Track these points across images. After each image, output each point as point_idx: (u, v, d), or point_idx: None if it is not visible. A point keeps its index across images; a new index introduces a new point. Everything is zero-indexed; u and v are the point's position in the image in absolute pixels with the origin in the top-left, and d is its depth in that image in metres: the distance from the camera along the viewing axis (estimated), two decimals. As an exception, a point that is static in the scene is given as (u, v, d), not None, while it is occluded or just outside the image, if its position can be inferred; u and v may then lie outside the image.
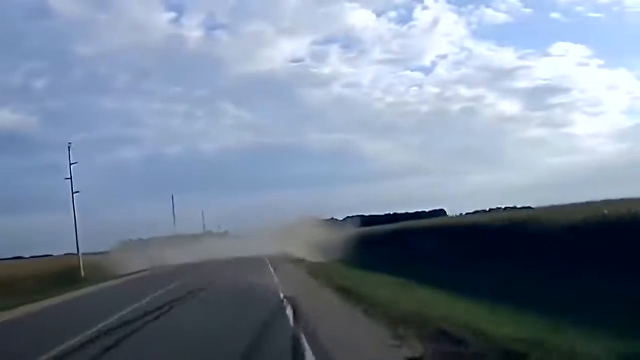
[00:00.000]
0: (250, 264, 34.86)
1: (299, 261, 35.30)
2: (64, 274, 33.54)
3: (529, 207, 30.69)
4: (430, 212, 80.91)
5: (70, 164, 39.71)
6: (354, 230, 49.40)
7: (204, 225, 77.82)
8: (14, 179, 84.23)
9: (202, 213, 76.82)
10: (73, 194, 39.41)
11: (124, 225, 55.93)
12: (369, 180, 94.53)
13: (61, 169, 39.64)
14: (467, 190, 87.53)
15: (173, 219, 70.35)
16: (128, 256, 46.70)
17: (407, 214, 78.97)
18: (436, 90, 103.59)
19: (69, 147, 40.20)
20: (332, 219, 66.91)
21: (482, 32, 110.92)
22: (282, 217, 53.71)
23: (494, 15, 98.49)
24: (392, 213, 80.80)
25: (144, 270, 43.01)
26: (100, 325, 13.07)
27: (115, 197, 70.37)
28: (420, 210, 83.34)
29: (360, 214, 75.60)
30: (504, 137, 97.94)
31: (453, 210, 71.33)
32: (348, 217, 71.93)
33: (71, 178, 39.22)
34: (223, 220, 68.82)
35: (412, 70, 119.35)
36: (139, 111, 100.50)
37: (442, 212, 78.35)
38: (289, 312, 13.22)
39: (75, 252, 40.91)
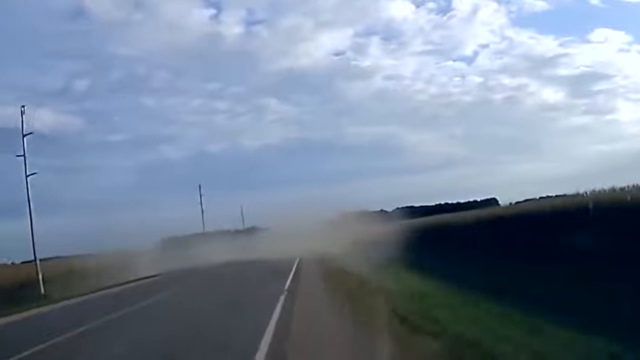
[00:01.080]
0: (263, 276, 24.78)
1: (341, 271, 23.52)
2: (18, 289, 26.61)
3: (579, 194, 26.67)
4: (482, 201, 74.68)
5: (24, 135, 30.41)
6: (407, 222, 41.98)
7: (243, 222, 75.04)
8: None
9: (241, 208, 73.64)
10: (27, 176, 29.67)
11: (162, 223, 53.90)
12: (413, 172, 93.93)
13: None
14: (511, 179, 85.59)
15: (202, 215, 67.09)
16: (147, 257, 42.95)
17: (458, 203, 75.79)
18: (479, 79, 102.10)
19: (22, 112, 30.80)
20: (381, 210, 64.67)
21: (522, 20, 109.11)
22: (325, 212, 50.64)
23: (533, 3, 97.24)
24: (442, 203, 77.92)
25: (153, 276, 36.75)
26: None
27: (154, 195, 69.82)
28: (471, 199, 78.12)
29: (408, 204, 72.92)
30: (547, 126, 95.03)
31: (504, 199, 66.67)
32: (397, 208, 69.83)
33: (24, 155, 29.70)
34: (263, 216, 65.00)
35: (454, 60, 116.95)
36: (178, 109, 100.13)
37: (494, 201, 72.40)
38: None
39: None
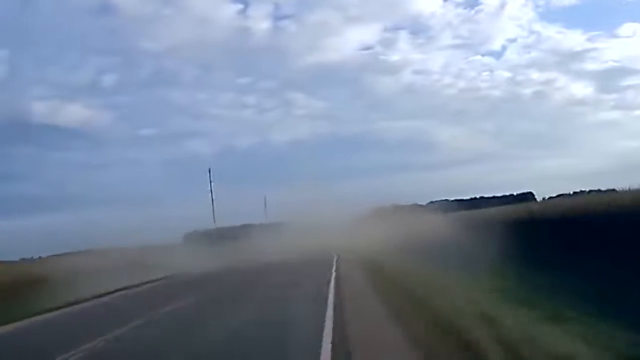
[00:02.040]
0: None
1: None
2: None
3: (613, 190, 25.77)
4: (518, 195, 74.86)
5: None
6: (454, 215, 34.84)
7: (266, 215, 71.51)
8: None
9: (265, 200, 69.87)
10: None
11: (191, 218, 54.54)
12: (442, 167, 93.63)
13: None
14: (540, 174, 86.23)
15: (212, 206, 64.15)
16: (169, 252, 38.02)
17: (494, 197, 72.73)
18: (507, 74, 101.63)
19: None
20: (415, 204, 63.62)
21: (550, 15, 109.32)
22: (356, 206, 49.58)
23: None
24: (477, 197, 73.51)
25: (158, 280, 29.12)
26: None
27: (183, 190, 69.83)
28: (507, 193, 77.89)
29: (442, 198, 70.29)
30: (575, 121, 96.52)
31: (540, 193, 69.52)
32: (432, 202, 68.20)
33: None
34: (290, 210, 61.94)
35: (482, 55, 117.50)
36: (207, 104, 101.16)
37: (530, 196, 72.41)
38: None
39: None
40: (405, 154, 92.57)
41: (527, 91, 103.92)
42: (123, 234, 38.69)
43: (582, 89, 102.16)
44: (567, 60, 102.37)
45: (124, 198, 56.96)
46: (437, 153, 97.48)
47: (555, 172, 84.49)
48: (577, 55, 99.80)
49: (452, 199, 76.62)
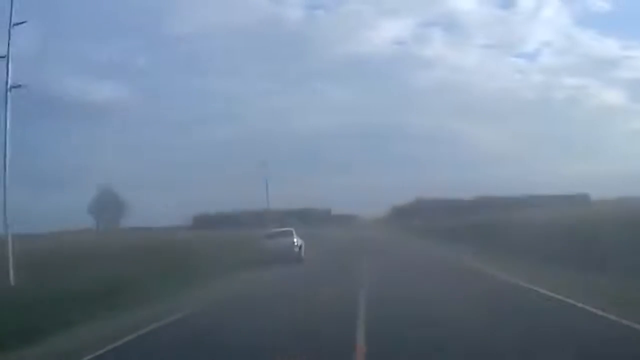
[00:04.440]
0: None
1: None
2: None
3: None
4: (572, 196, 72.34)
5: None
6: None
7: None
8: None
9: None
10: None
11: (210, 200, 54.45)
12: (473, 164, 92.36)
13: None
14: (573, 178, 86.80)
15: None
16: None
17: (546, 196, 71.41)
18: (540, 77, 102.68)
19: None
20: (458, 198, 65.48)
21: (585, 20, 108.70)
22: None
23: (596, 3, 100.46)
24: (528, 195, 70.72)
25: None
26: None
27: (207, 174, 70.65)
28: (562, 193, 74.88)
29: (486, 194, 67.87)
30: (607, 127, 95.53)
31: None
32: (477, 197, 70.22)
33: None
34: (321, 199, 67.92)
35: (515, 57, 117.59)
36: (237, 89, 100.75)
37: (585, 197, 71.15)
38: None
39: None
40: (435, 150, 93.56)
41: (560, 95, 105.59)
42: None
43: (614, 97, 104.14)
44: (600, 67, 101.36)
45: (154, 179, 57.49)
46: (468, 150, 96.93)
47: (587, 177, 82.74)
48: (611, 63, 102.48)
49: (500, 195, 75.64)
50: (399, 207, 79.32)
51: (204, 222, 64.34)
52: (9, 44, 17.96)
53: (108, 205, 60.74)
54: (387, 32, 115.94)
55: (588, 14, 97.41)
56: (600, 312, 8.95)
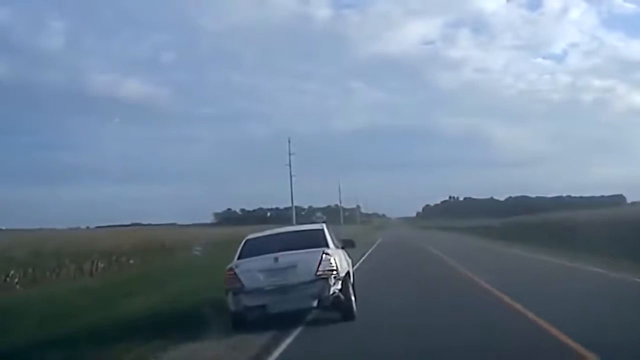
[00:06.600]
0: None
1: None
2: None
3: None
4: (608, 197, 72.52)
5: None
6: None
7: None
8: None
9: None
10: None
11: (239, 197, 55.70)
12: (502, 165, 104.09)
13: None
14: (599, 179, 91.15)
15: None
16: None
17: (581, 197, 72.78)
18: (568, 79, 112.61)
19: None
20: (491, 198, 67.51)
21: (612, 22, 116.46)
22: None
23: (623, 5, 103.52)
24: (564, 195, 70.12)
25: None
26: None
27: (236, 170, 70.66)
28: (597, 194, 74.52)
29: (521, 194, 67.90)
30: (635, 130, 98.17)
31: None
32: (510, 197, 72.39)
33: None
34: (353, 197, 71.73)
35: (543, 58, 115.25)
36: (267, 87, 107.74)
37: (621, 198, 70.88)
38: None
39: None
40: (463, 150, 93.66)
41: (588, 97, 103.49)
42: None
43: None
44: (627, 69, 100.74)
45: (178, 173, 57.34)
46: (496, 151, 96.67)
47: (615, 178, 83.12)
48: (637, 65, 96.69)
49: (534, 195, 74.50)
50: (431, 206, 78.24)
51: (228, 219, 63.86)
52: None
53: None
54: (415, 32, 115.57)
55: (614, 15, 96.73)
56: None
